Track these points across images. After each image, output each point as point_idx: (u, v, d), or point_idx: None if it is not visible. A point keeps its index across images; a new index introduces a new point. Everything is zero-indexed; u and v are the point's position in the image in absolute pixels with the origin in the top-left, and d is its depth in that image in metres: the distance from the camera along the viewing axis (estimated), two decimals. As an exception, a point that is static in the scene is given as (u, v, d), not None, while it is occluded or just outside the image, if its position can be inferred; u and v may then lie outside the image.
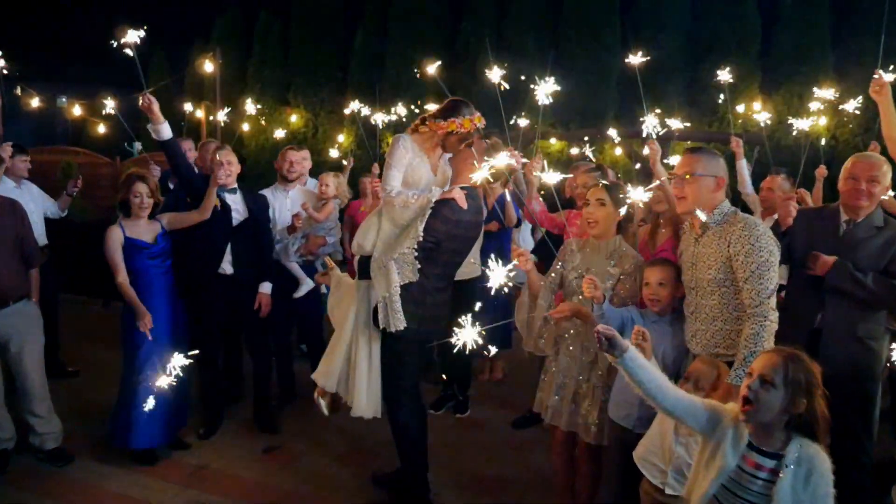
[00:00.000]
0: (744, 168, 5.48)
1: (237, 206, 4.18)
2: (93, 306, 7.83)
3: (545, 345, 3.28)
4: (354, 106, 6.67)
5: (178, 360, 2.92)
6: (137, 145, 17.40)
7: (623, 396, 2.93)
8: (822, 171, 4.86)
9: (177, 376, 3.84)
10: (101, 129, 8.86)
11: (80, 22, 15.34)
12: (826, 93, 3.86)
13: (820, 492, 1.79)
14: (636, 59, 3.91)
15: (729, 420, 1.99)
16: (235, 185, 4.21)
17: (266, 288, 4.30)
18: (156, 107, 3.69)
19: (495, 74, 3.61)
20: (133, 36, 3.56)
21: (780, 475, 1.81)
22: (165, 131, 3.83)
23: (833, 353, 2.88)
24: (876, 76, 3.72)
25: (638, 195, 2.47)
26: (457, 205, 3.14)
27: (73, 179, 5.59)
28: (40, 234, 5.05)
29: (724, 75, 4.98)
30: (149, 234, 3.84)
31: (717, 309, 2.64)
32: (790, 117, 7.55)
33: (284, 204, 4.70)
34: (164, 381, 2.85)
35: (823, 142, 4.79)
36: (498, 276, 2.29)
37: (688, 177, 2.67)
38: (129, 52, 3.57)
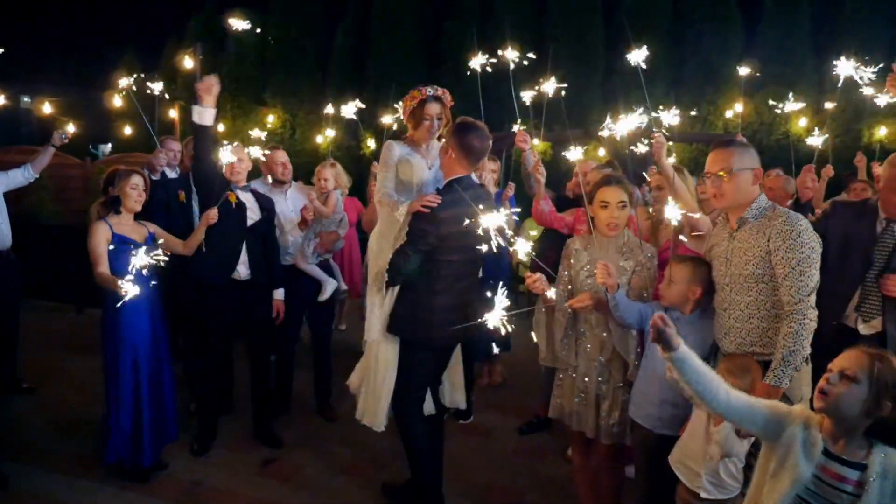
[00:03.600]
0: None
1: (251, 206, 3.95)
2: (66, 313, 7.47)
3: (568, 355, 3.12)
4: (329, 109, 6.49)
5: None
6: (104, 148, 16.85)
7: (643, 395, 2.84)
8: (828, 171, 4.83)
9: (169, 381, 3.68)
10: (71, 128, 8.52)
11: (49, 22, 14.83)
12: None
13: None
14: (638, 55, 3.77)
15: (797, 424, 1.84)
16: (247, 184, 3.99)
17: (280, 294, 4.09)
18: (216, 90, 3.53)
19: (477, 61, 3.55)
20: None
21: (866, 489, 1.68)
22: (209, 116, 3.56)
23: None
24: (893, 70, 3.69)
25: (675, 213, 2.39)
26: (434, 206, 2.96)
27: (58, 132, 4.67)
28: (6, 235, 4.69)
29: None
30: (136, 234, 3.60)
31: (754, 306, 2.53)
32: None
33: (285, 206, 4.49)
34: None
35: (821, 142, 4.74)
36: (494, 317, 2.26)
37: (724, 175, 2.55)
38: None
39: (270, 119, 12.14)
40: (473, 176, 3.23)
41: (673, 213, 2.36)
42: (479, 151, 3.06)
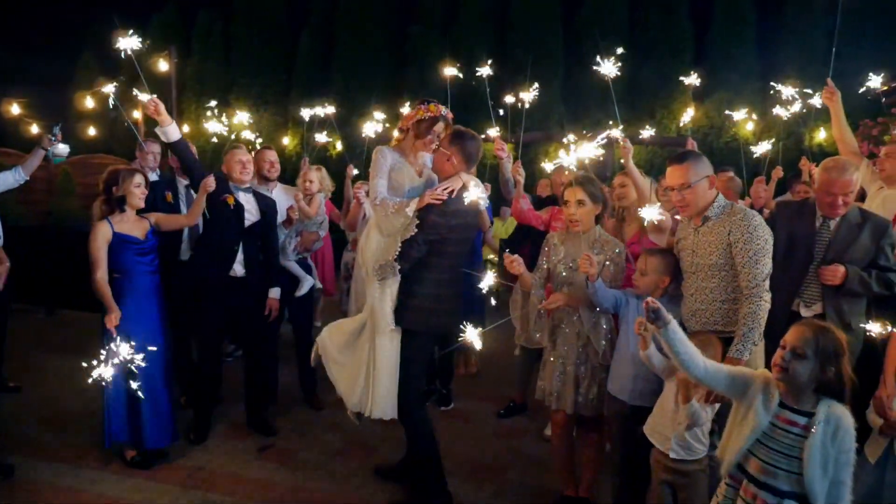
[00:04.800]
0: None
1: (250, 207, 4.14)
2: (35, 315, 7.44)
3: (541, 337, 3.46)
4: (307, 113, 6.75)
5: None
6: (55, 149, 16.41)
7: (619, 371, 3.19)
8: (777, 172, 5.29)
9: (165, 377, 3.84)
10: (35, 129, 8.47)
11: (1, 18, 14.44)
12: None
13: (845, 446, 2.04)
14: (609, 68, 4.12)
15: (758, 384, 2.20)
16: (249, 185, 4.19)
17: (275, 293, 4.29)
18: (162, 108, 3.69)
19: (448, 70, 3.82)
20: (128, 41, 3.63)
21: (812, 431, 2.03)
22: (174, 132, 3.81)
23: None
24: (827, 85, 4.14)
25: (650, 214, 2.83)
26: (445, 199, 3.23)
27: (47, 135, 4.60)
28: None
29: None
30: (138, 230, 3.75)
31: (717, 290, 2.90)
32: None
33: None
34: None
35: (769, 146, 5.19)
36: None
37: (687, 187, 2.91)
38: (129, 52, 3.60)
39: (236, 120, 12.18)
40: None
41: (649, 213, 2.69)
42: (476, 157, 3.41)
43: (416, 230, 3.24)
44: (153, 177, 5.59)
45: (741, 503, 2.16)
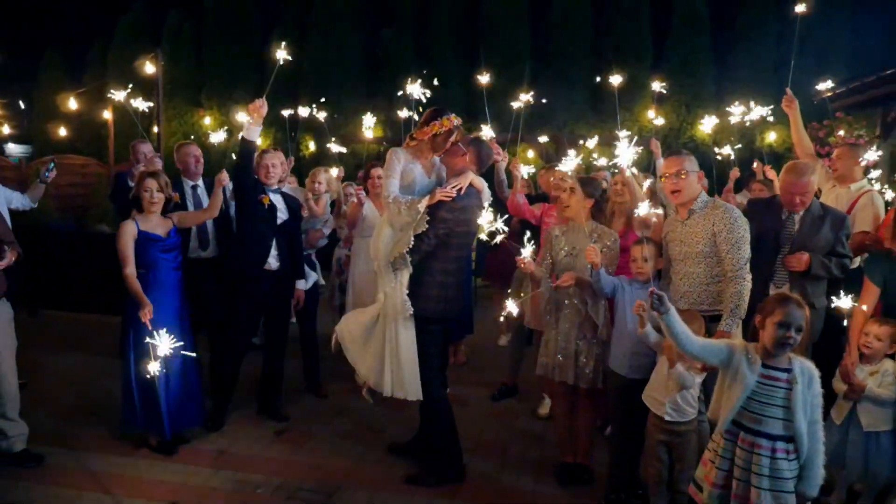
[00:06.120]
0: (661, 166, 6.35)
1: (281, 207, 4.42)
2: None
3: (550, 321, 3.84)
4: (287, 112, 6.98)
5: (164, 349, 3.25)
6: (8, 147, 16.19)
7: (617, 349, 3.58)
8: (735, 174, 5.79)
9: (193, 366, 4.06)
10: (6, 129, 8.40)
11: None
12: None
13: (816, 391, 2.50)
14: (615, 78, 4.54)
15: (740, 351, 2.61)
16: (278, 187, 4.45)
17: (302, 284, 4.63)
18: (265, 110, 3.98)
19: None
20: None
21: (795, 383, 2.46)
22: (257, 133, 4.11)
23: None
24: (786, 93, 4.62)
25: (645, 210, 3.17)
26: (454, 196, 3.54)
27: (43, 168, 4.92)
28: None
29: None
30: (161, 228, 3.96)
31: (703, 275, 3.32)
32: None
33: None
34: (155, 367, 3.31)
35: (730, 150, 5.70)
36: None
37: (683, 175, 3.32)
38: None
39: (207, 121, 12.23)
40: None
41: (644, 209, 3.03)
42: (487, 163, 3.84)
43: (426, 226, 3.54)
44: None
45: (739, 451, 2.55)
